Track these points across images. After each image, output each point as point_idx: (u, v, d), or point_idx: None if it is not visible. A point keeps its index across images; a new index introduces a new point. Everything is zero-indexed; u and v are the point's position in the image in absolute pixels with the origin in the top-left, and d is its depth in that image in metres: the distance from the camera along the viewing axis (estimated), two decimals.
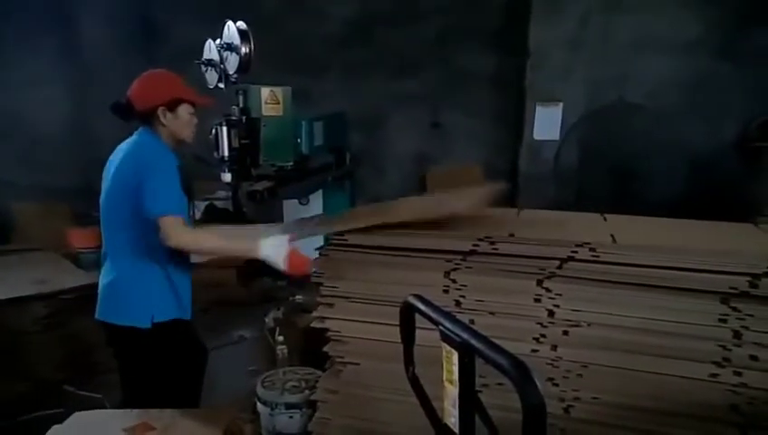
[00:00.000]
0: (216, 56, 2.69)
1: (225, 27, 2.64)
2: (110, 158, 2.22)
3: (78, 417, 2.06)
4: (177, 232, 2.02)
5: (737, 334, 1.80)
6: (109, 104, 2.17)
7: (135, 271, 2.14)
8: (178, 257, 2.19)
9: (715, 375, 1.81)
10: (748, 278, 1.78)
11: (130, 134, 2.22)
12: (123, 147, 2.20)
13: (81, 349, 3.42)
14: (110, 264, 2.21)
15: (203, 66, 2.74)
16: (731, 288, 1.80)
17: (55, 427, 1.97)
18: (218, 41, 2.67)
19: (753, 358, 1.79)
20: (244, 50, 2.59)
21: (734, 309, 1.81)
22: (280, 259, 2.06)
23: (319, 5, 5.38)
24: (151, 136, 2.18)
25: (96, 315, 2.20)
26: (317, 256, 2.26)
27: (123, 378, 2.29)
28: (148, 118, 2.17)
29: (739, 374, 1.79)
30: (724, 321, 1.81)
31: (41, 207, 4.89)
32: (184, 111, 2.19)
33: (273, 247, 2.08)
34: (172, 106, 2.16)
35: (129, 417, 2.01)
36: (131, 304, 2.14)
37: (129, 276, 2.15)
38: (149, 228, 2.05)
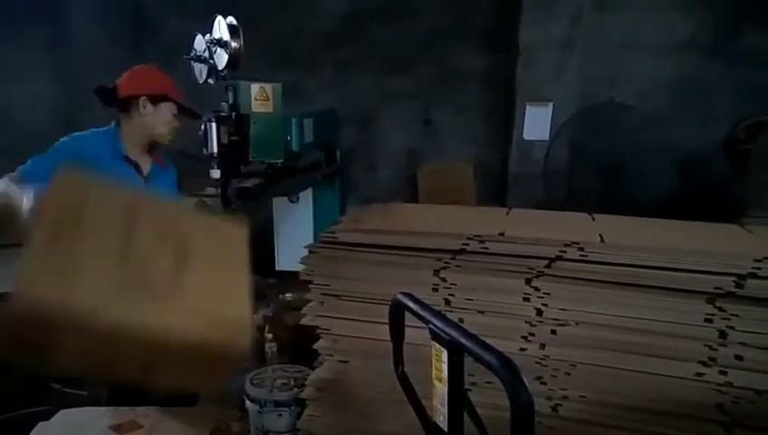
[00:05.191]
0: (205, 51, 2.67)
1: (215, 22, 2.62)
2: None
3: (64, 414, 2.04)
4: None
5: (723, 334, 1.82)
6: (96, 100, 2.16)
7: None
8: None
9: (700, 374, 1.83)
10: (734, 279, 1.81)
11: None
12: None
13: None
14: None
15: (192, 61, 2.72)
16: (717, 288, 1.82)
17: (41, 424, 1.95)
18: (207, 36, 2.64)
19: (739, 358, 1.81)
20: (233, 45, 2.56)
21: (720, 309, 1.83)
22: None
23: (311, 1, 5.36)
24: (112, 130, 2.15)
25: None
26: (307, 253, 2.26)
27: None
28: (126, 106, 2.14)
29: (724, 374, 1.82)
30: (710, 321, 1.83)
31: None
32: (166, 108, 2.18)
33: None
34: (155, 100, 2.14)
35: (117, 415, 1.99)
36: None
37: None
38: None
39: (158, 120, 2.17)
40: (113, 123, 2.19)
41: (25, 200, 1.62)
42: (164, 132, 2.21)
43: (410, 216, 2.75)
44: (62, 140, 2.07)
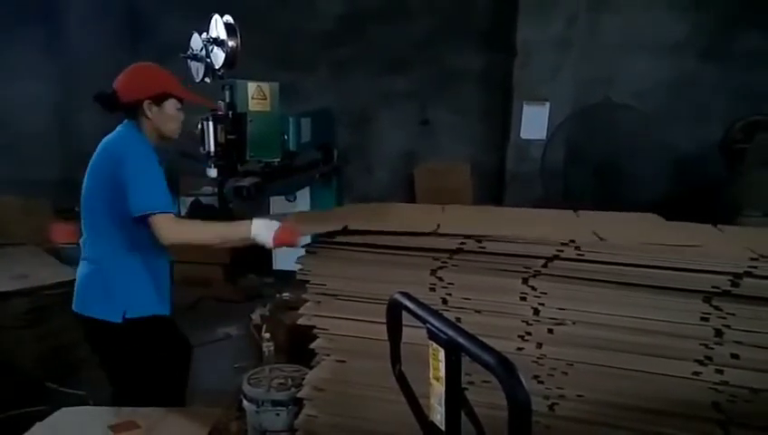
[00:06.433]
0: (201, 50, 2.66)
1: (212, 21, 2.61)
2: (96, 152, 2.19)
3: (63, 414, 2.04)
4: (170, 229, 2.00)
5: (719, 333, 1.83)
6: (93, 98, 2.14)
7: (110, 265, 2.10)
8: (157, 251, 2.16)
9: (697, 373, 1.84)
10: (730, 278, 1.81)
11: (114, 128, 2.19)
12: (106, 139, 2.16)
13: (64, 345, 3.38)
14: (86, 256, 2.17)
15: (188, 60, 2.71)
16: (713, 287, 1.83)
17: (38, 424, 1.95)
18: (204, 34, 2.64)
19: (735, 356, 1.81)
20: (230, 44, 2.56)
21: (716, 308, 1.83)
22: (269, 236, 2.06)
23: (308, 1, 5.36)
24: (134, 130, 2.15)
25: (73, 307, 2.16)
26: (303, 253, 2.26)
27: (107, 373, 2.27)
28: (132, 110, 2.14)
29: (721, 372, 1.82)
30: (707, 319, 1.84)
31: (23, 201, 4.82)
32: (170, 105, 2.17)
33: (263, 226, 2.07)
34: (158, 100, 2.14)
35: (115, 414, 1.99)
36: (105, 297, 2.09)
37: (105, 270, 2.10)
38: (127, 222, 2.03)
39: (165, 117, 2.17)
40: (127, 124, 2.18)
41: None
42: (173, 128, 2.22)
43: (407, 215, 2.75)
44: (140, 164, 2.03)
